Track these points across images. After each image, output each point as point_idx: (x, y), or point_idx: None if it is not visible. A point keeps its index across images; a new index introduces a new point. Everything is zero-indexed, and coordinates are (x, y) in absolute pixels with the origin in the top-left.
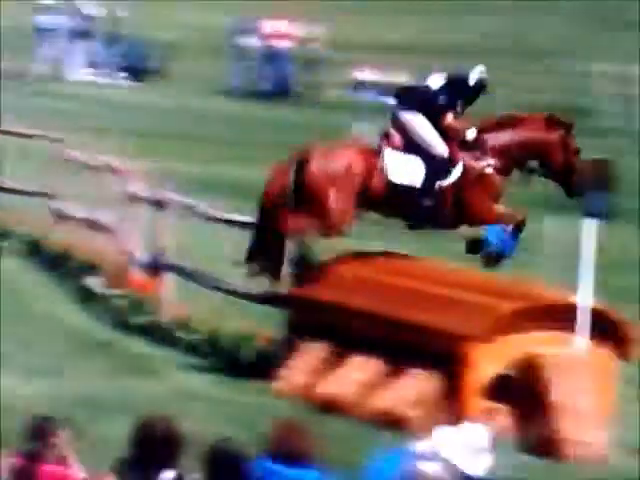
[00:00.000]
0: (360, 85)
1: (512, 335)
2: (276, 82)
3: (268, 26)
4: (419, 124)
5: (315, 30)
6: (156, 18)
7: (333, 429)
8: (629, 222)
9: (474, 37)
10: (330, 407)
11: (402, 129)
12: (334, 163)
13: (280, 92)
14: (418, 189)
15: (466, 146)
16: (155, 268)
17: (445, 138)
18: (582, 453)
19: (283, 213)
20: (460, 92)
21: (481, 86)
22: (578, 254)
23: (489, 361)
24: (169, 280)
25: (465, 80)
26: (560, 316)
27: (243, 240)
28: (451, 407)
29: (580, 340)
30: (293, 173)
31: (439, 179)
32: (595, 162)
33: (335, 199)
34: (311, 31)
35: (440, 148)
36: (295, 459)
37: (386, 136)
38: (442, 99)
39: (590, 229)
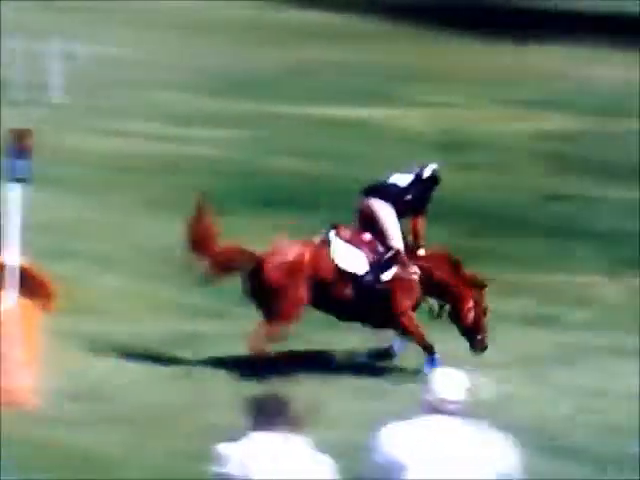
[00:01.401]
0: None
1: None
2: None
3: None
4: (386, 214)
5: None
6: None
7: None
8: (49, 187)
9: None
10: None
11: (364, 215)
12: (286, 257)
13: None
14: (362, 276)
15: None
16: None
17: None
18: (14, 400)
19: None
20: (422, 189)
21: (434, 179)
22: (5, 216)
23: None
24: None
25: (420, 176)
26: None
27: None
28: None
29: (10, 295)
30: (249, 275)
31: (382, 272)
32: (16, 131)
33: (289, 292)
34: None
35: (398, 243)
36: None
37: (335, 228)
38: (410, 198)
39: (15, 193)
